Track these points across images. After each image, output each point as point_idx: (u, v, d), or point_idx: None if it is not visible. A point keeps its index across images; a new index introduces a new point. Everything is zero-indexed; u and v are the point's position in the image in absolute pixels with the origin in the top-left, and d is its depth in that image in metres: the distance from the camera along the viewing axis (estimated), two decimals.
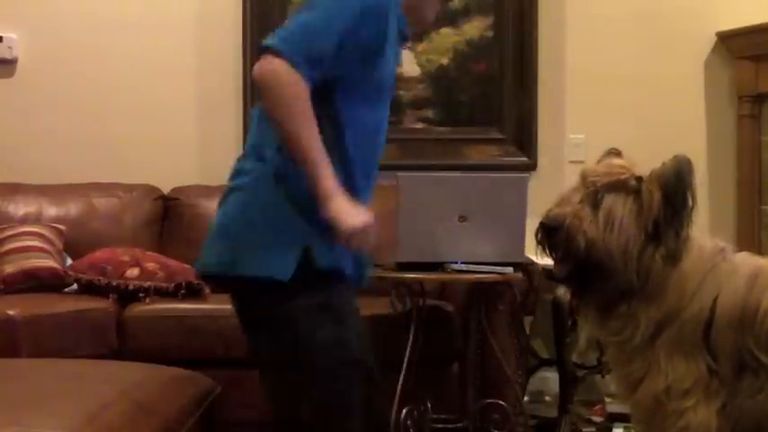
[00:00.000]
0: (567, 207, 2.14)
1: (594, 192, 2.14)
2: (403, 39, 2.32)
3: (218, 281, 2.38)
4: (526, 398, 3.88)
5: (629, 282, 2.12)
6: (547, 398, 4.11)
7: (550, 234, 2.15)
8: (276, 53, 2.06)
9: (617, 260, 2.10)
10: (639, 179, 2.14)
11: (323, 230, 2.12)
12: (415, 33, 2.53)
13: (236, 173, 2.26)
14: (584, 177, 2.18)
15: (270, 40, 2.09)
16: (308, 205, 2.11)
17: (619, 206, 2.12)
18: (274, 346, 2.21)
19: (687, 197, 2.10)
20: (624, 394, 2.25)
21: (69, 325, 3.49)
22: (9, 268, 3.81)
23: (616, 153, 2.27)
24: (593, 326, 2.24)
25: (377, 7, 2.15)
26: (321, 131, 2.11)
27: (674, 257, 2.12)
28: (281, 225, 2.15)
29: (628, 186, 2.14)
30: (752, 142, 4.32)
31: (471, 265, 3.15)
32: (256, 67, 2.08)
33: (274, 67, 2.06)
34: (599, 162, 2.27)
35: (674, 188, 2.10)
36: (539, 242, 2.19)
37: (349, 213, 2.09)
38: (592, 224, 2.11)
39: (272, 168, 2.17)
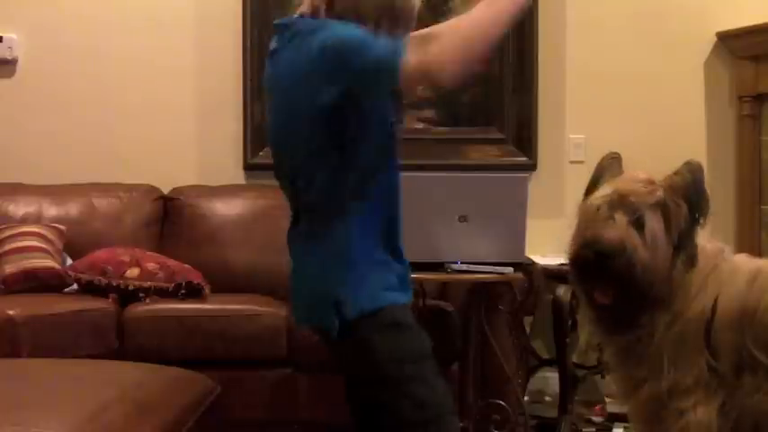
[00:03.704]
0: (615, 231, 2.11)
1: (640, 215, 2.12)
2: None
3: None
4: (526, 398, 3.89)
5: (662, 296, 2.13)
6: (547, 398, 4.10)
7: (604, 259, 2.10)
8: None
9: (658, 278, 2.12)
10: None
11: (356, 278, 2.09)
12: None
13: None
14: (621, 196, 2.15)
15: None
16: (341, 257, 2.09)
17: (657, 225, 2.12)
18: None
19: (708, 204, 2.13)
20: (625, 394, 2.26)
21: (69, 325, 3.49)
22: (9, 268, 3.80)
23: (616, 157, 2.28)
24: (608, 335, 2.24)
25: None
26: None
27: (692, 262, 2.14)
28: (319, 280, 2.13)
29: (658, 201, 2.14)
30: (752, 142, 4.32)
31: (471, 265, 3.16)
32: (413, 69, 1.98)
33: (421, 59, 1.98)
34: (601, 163, 2.27)
35: (696, 198, 2.14)
36: (582, 268, 2.15)
37: None
38: (644, 249, 2.11)
39: (305, 228, 2.16)
